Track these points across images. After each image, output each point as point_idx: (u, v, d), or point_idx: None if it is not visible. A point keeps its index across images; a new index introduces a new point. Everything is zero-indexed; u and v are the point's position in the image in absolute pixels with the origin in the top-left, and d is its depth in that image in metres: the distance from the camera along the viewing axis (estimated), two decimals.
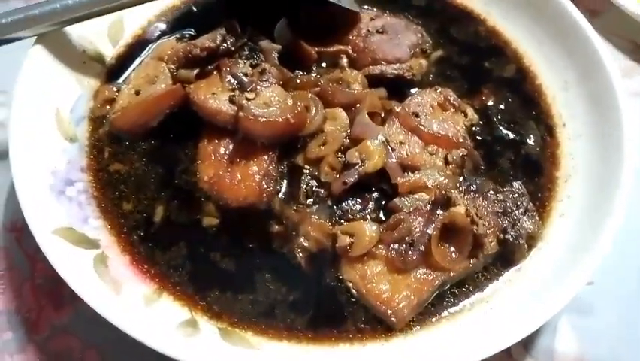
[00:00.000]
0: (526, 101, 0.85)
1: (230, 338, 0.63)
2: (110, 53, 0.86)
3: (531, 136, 0.81)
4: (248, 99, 0.75)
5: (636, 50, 1.04)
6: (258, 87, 0.77)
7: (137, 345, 0.66)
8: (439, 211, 0.68)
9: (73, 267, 0.62)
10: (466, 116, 0.81)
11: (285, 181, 0.75)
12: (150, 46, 0.88)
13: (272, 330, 0.64)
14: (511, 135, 0.81)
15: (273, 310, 0.66)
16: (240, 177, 0.73)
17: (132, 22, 0.89)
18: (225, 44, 0.81)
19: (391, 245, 0.67)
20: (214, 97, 0.76)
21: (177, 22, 0.91)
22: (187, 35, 0.89)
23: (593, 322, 0.75)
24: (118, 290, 0.64)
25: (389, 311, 0.65)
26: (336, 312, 0.66)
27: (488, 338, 0.61)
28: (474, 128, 0.81)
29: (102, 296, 0.61)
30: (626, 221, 0.83)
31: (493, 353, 0.59)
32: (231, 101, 0.75)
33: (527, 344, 0.72)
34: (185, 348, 0.58)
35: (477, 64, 0.89)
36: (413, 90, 0.84)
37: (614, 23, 1.06)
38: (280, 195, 0.74)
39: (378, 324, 0.66)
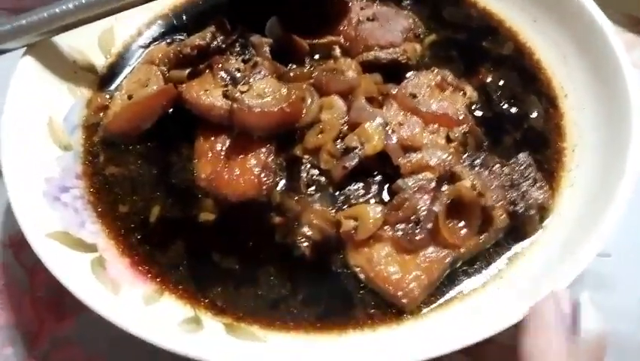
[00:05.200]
0: (525, 76, 0.82)
1: (235, 333, 0.60)
2: (102, 62, 0.85)
3: (533, 109, 0.78)
4: (241, 92, 0.73)
5: (635, 23, 1.02)
6: (251, 80, 0.75)
7: (144, 351, 0.65)
8: (445, 187, 0.66)
9: (70, 269, 0.60)
10: (464, 94, 0.78)
11: (285, 173, 0.72)
12: (141, 52, 0.87)
13: (278, 322, 0.62)
14: (513, 110, 0.79)
15: (279, 303, 0.63)
16: (238, 172, 0.71)
17: (122, 31, 0.88)
18: (216, 42, 0.80)
19: (397, 226, 0.65)
20: (207, 93, 0.74)
21: (167, 29, 0.90)
22: (177, 39, 0.87)
23: (616, 297, 0.71)
24: (117, 291, 0.61)
25: (399, 293, 0.61)
26: (344, 299, 0.63)
27: (501, 314, 0.57)
28: (474, 106, 0.78)
29: (100, 297, 0.59)
30: None
31: (505, 327, 0.55)
32: (225, 95, 0.73)
33: None
34: (188, 343, 0.55)
35: (473, 44, 0.86)
36: (409, 74, 0.81)
37: None
38: (280, 187, 0.71)
39: (388, 308, 0.62)
